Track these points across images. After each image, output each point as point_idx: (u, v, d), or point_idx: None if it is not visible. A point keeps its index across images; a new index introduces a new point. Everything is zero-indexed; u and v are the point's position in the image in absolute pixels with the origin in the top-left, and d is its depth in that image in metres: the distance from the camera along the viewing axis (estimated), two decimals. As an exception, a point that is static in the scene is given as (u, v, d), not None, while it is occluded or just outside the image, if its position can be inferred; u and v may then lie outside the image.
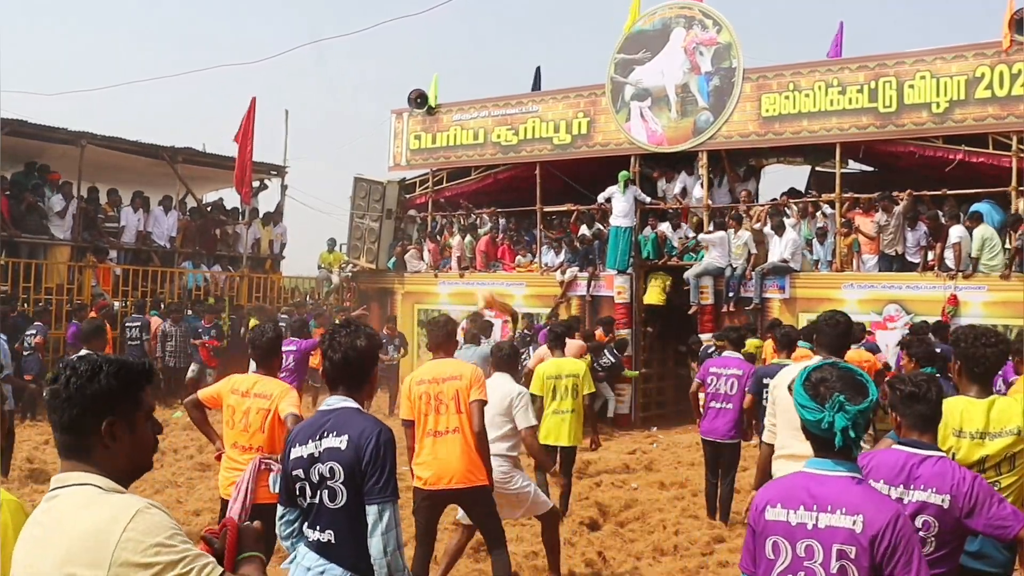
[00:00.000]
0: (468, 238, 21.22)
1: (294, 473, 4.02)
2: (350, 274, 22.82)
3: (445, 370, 6.59)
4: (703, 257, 17.49)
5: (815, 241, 17.24)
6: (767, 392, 7.52)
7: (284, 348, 11.53)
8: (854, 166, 19.65)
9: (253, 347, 6.72)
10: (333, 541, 3.92)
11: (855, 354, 12.41)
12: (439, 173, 22.49)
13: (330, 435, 3.96)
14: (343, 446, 3.91)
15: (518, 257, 20.60)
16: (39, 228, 18.86)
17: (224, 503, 6.33)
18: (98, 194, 20.67)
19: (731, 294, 17.14)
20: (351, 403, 4.09)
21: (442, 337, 6.80)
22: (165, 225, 21.23)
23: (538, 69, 23.31)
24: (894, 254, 16.18)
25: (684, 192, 18.82)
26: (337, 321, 6.63)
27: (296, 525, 4.09)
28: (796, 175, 20.89)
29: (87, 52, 66.41)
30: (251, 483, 6.00)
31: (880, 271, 16.33)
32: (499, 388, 7.21)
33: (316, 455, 3.95)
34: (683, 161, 18.97)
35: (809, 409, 3.20)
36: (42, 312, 17.15)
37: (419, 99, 22.02)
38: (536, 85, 22.76)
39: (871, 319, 15.45)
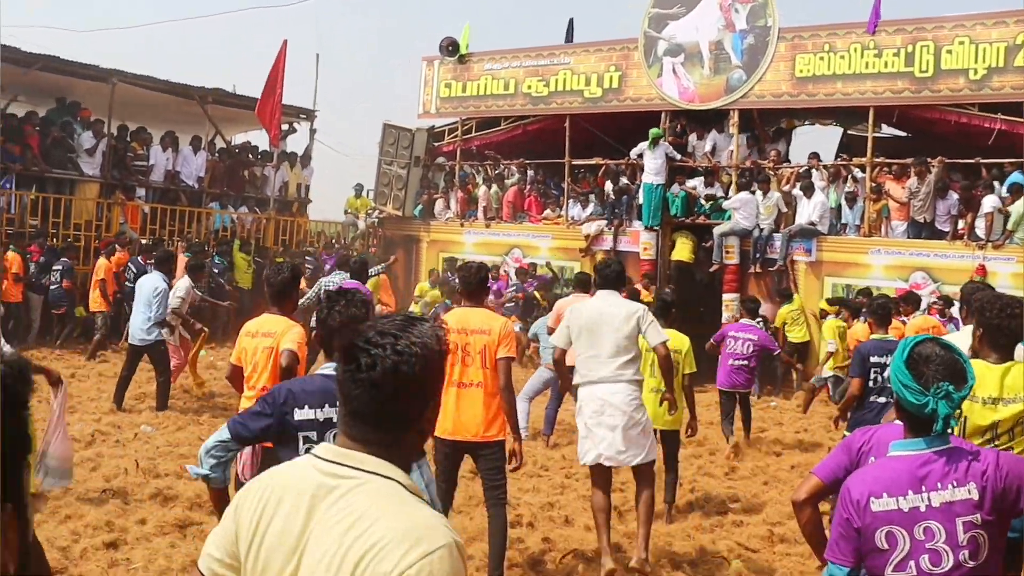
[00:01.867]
0: (495, 188, 21.19)
1: (304, 434, 4.14)
2: (376, 220, 22.85)
3: (473, 321, 6.34)
4: (730, 217, 17.40)
5: (844, 205, 17.11)
6: (874, 372, 7.45)
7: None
8: (887, 130, 19.50)
9: (268, 285, 6.58)
10: None
11: (921, 320, 12.36)
12: (468, 122, 22.41)
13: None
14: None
15: (546, 210, 20.56)
16: (66, 164, 18.96)
17: None
18: (128, 132, 20.74)
19: (757, 255, 17.07)
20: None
21: (475, 284, 6.54)
22: (194, 165, 21.29)
23: (571, 21, 23.17)
24: (923, 221, 16.05)
25: (714, 150, 18.71)
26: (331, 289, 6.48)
27: (227, 460, 4.17)
28: (828, 137, 20.75)
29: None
30: None
31: (909, 238, 16.21)
32: (621, 307, 6.79)
33: (334, 420, 4.01)
34: (714, 119, 18.83)
35: (912, 391, 3.18)
36: (68, 248, 17.29)
37: (450, 47, 21.92)
38: (569, 37, 22.60)
39: (896, 286, 15.37)
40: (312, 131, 23.88)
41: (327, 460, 2.13)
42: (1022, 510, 3.16)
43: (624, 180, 19.19)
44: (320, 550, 2.03)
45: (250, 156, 23.31)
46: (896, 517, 3.13)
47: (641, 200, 18.24)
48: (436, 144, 22.88)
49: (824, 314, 15.25)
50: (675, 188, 18.32)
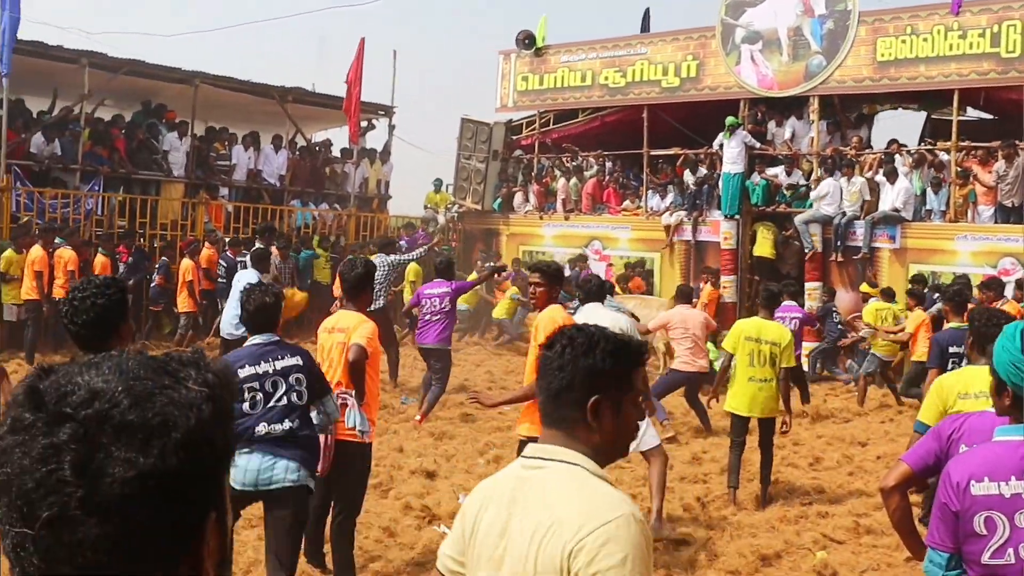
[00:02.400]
0: (574, 181, 21.20)
1: (247, 386, 5.29)
2: (456, 214, 23.00)
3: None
4: (811, 205, 17.19)
5: (929, 190, 16.78)
6: (952, 363, 7.44)
7: (436, 290, 11.76)
8: (972, 113, 19.11)
9: (342, 281, 6.63)
10: (296, 427, 5.39)
11: (1011, 307, 12.13)
12: (546, 115, 22.46)
13: (284, 358, 5.45)
14: (300, 362, 5.48)
15: (625, 201, 20.52)
16: (151, 165, 19.38)
17: None
18: (212, 133, 21.16)
19: (839, 243, 16.84)
20: (276, 338, 5.56)
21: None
22: (275, 163, 21.61)
23: (647, 10, 23.06)
24: (1012, 205, 15.67)
25: (794, 137, 18.50)
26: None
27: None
28: (911, 122, 20.36)
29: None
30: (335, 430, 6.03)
31: (996, 223, 15.86)
32: (603, 318, 6.98)
33: (270, 372, 5.38)
34: (794, 106, 18.62)
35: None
36: (167, 247, 17.69)
37: (527, 40, 21.97)
38: (645, 27, 22.52)
39: (984, 272, 15.04)
40: (391, 127, 24.08)
41: (528, 457, 2.43)
42: None
43: (703, 170, 19.07)
44: (520, 535, 2.29)
45: (330, 153, 23.59)
46: (996, 502, 3.02)
47: (721, 190, 18.13)
48: (514, 137, 22.96)
49: (866, 297, 15.05)
50: (755, 177, 18.17)
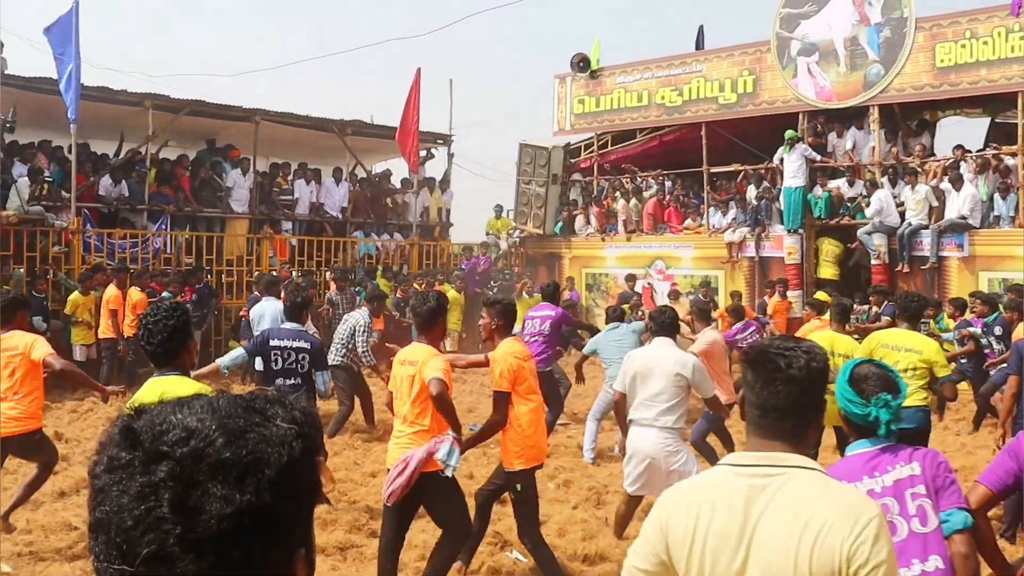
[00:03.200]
0: (634, 201, 21.16)
1: (274, 353, 8.35)
2: (518, 240, 23.06)
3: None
4: (871, 218, 16.97)
5: (997, 196, 16.48)
6: None
7: (540, 313, 11.80)
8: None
9: (415, 314, 6.59)
10: (301, 382, 8.30)
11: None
12: (603, 137, 22.47)
13: (299, 340, 8.39)
14: (308, 346, 8.41)
15: (687, 220, 20.44)
16: (215, 203, 19.72)
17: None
18: (274, 168, 21.48)
19: (904, 253, 16.60)
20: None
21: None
22: (336, 196, 21.83)
23: (700, 28, 23.03)
24: (1082, 207, 15.37)
25: (855, 148, 18.30)
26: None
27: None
28: (975, 127, 20.05)
29: (256, 32, 68.52)
30: (420, 463, 5.97)
31: (1067, 225, 15.52)
32: (669, 356, 7.31)
33: (291, 347, 8.34)
34: (853, 116, 18.44)
35: (856, 404, 3.60)
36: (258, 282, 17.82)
37: (581, 63, 22.04)
38: (699, 44, 22.46)
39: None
40: (450, 155, 24.23)
41: (747, 465, 2.52)
42: (942, 507, 3.52)
43: (764, 184, 18.94)
44: (773, 540, 2.38)
45: (391, 184, 23.78)
46: None
47: (782, 204, 17.99)
48: (573, 160, 23.00)
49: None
50: (817, 190, 18.00)
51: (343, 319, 12.57)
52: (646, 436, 7.11)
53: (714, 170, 20.00)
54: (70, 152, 17.02)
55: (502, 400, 6.46)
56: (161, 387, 4.41)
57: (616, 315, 11.94)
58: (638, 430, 7.17)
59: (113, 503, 1.12)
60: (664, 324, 7.69)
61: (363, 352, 11.89)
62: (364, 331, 11.87)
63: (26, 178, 16.53)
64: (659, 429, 7.08)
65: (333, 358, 11.47)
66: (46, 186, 17.04)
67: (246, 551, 1.13)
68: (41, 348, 7.33)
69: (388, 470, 6.26)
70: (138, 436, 1.15)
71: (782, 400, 2.52)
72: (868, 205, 16.99)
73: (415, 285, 18.41)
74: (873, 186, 17.06)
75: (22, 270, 15.78)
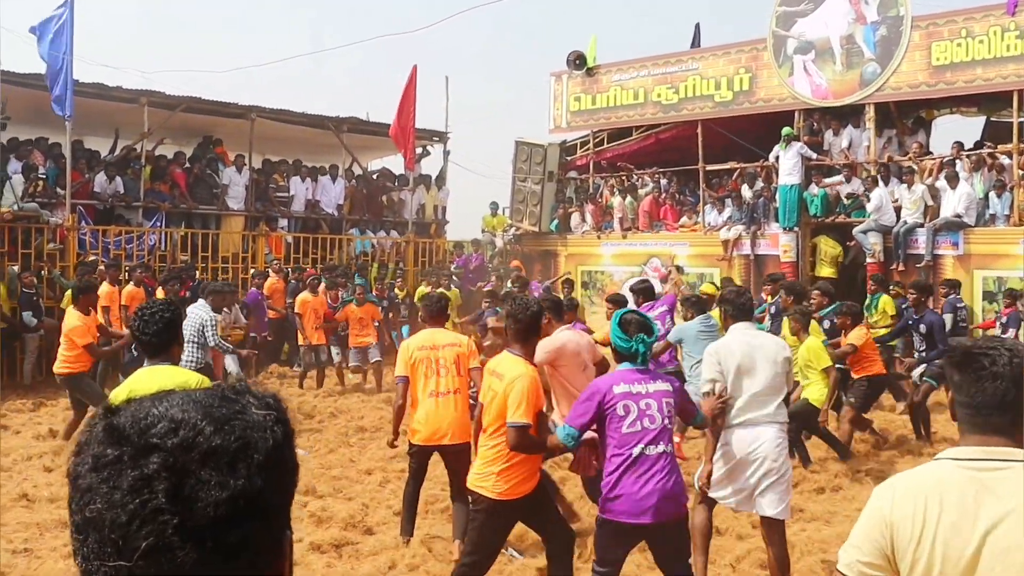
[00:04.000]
0: (629, 199, 21.15)
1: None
2: (513, 237, 23.06)
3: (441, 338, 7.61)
4: (869, 215, 16.98)
5: (992, 195, 16.47)
6: None
7: (655, 312, 11.34)
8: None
9: (513, 321, 5.90)
10: None
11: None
12: (599, 134, 22.48)
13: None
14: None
15: (682, 218, 20.44)
16: (211, 200, 19.74)
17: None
18: (269, 165, 21.49)
19: (900, 251, 16.61)
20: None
21: (436, 311, 7.92)
22: (332, 193, 21.84)
23: (697, 26, 23.08)
24: (1077, 206, 15.38)
25: (851, 146, 18.31)
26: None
27: None
28: (970, 126, 20.07)
29: (251, 29, 68.47)
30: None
31: (1062, 225, 15.54)
32: (767, 343, 6.66)
33: None
34: (849, 114, 18.44)
35: (623, 339, 5.43)
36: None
37: (578, 61, 22.03)
38: (696, 42, 22.47)
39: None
40: (446, 153, 24.22)
41: (971, 459, 2.60)
42: (692, 413, 5.99)
43: (760, 183, 18.94)
44: (1006, 534, 2.45)
45: (387, 182, 23.77)
46: (628, 396, 5.31)
47: (778, 202, 18.00)
48: (569, 158, 22.99)
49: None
50: (813, 188, 18.01)
51: (187, 314, 11.24)
52: (764, 435, 6.33)
53: (710, 168, 20.00)
54: (66, 150, 16.99)
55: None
56: (156, 376, 4.49)
57: (698, 304, 11.13)
58: (751, 431, 6.34)
59: (103, 500, 1.12)
60: (743, 307, 6.80)
61: (216, 345, 11.62)
62: (212, 325, 11.64)
63: (20, 175, 16.55)
64: (778, 426, 6.41)
65: (187, 359, 10.56)
66: (41, 183, 17.00)
67: (241, 535, 1.14)
68: None
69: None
70: (123, 432, 1.15)
71: (991, 397, 2.60)
72: (868, 201, 16.98)
73: (422, 286, 18.33)
74: (874, 182, 17.03)
75: (16, 267, 15.76)
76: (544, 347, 7.05)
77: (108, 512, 1.11)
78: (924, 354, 11.80)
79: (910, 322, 12.18)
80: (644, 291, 12.25)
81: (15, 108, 17.19)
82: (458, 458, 7.18)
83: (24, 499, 8.66)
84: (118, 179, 18.31)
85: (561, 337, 7.61)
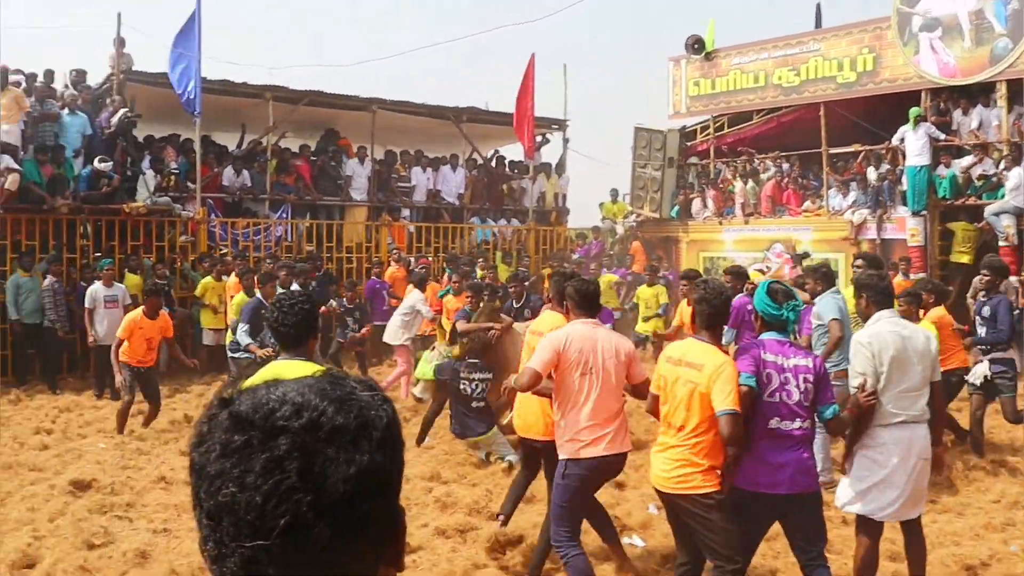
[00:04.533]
0: (751, 184, 20.91)
1: None
2: (634, 224, 23.01)
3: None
4: (1003, 195, 16.47)
5: None
6: None
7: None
8: None
9: (707, 306, 5.55)
10: None
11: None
12: (720, 119, 22.28)
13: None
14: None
15: (806, 202, 20.12)
16: (334, 191, 20.17)
17: None
18: (391, 156, 21.87)
19: (1035, 234, 16.07)
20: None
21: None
22: (453, 182, 22.09)
23: (818, 6, 22.75)
24: None
25: (981, 126, 17.77)
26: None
27: None
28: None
29: (374, 23, 69.31)
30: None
31: None
32: (916, 334, 6.15)
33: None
34: (979, 93, 17.90)
35: (773, 307, 5.50)
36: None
37: (696, 45, 21.85)
38: (817, 23, 22.09)
39: None
40: (565, 140, 24.25)
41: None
42: (828, 400, 5.46)
43: (886, 165, 18.54)
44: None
45: (507, 171, 23.94)
46: (774, 366, 5.35)
47: (905, 185, 17.59)
48: (689, 143, 22.85)
49: None
50: (941, 169, 17.54)
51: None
52: (917, 435, 5.87)
53: (833, 151, 19.62)
54: (195, 145, 17.58)
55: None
56: (294, 371, 4.41)
57: (827, 276, 9.56)
58: (904, 430, 5.84)
59: (236, 484, 1.17)
60: (886, 292, 6.28)
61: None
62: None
63: (152, 171, 17.24)
64: (925, 424, 5.95)
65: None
66: (173, 178, 17.66)
67: (366, 510, 1.20)
68: None
69: (655, 489, 5.78)
70: (247, 418, 1.20)
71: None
72: (1006, 181, 16.43)
73: (478, 269, 17.72)
74: (1014, 162, 16.43)
75: (150, 259, 16.40)
76: None
77: (242, 495, 1.16)
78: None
79: (978, 307, 10.35)
80: (737, 274, 11.43)
81: (146, 106, 17.84)
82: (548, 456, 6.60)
83: (163, 481, 9.03)
84: (245, 172, 18.87)
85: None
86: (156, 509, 8.11)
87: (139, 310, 11.67)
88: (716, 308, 5.54)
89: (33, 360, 15.55)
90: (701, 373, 5.27)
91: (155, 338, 11.62)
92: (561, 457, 5.90)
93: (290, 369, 4.51)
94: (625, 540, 7.19)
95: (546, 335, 6.26)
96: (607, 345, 5.93)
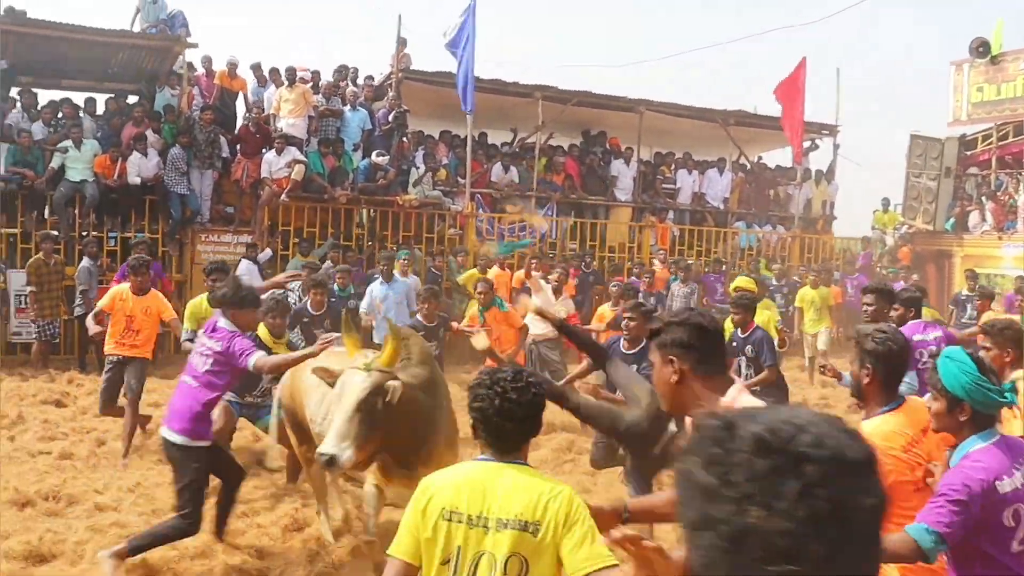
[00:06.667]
0: (1036, 197, 19.68)
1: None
2: (905, 235, 22.12)
3: None
4: None
5: None
6: None
7: (930, 335, 10.05)
8: None
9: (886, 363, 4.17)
10: None
11: None
12: (1004, 127, 21.13)
13: None
14: None
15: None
16: (600, 190, 20.34)
17: None
18: (658, 157, 21.93)
19: None
20: None
21: None
22: (719, 186, 21.83)
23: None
24: None
25: None
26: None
27: None
28: None
29: (643, 25, 69.47)
30: None
31: None
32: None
33: None
34: None
35: (995, 393, 3.47)
36: (614, 270, 18.15)
37: (981, 48, 20.79)
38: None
39: None
40: (835, 146, 23.56)
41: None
42: None
43: None
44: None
45: (775, 176, 23.49)
46: (1019, 496, 3.38)
47: None
48: (968, 153, 21.79)
49: None
50: None
51: None
52: None
53: None
54: (466, 141, 18.30)
55: None
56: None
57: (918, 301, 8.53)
58: None
59: (764, 509, 1.21)
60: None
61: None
62: None
63: (424, 165, 17.98)
64: None
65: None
66: (444, 172, 18.39)
67: (878, 535, 1.27)
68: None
69: None
70: (769, 444, 1.24)
71: None
72: None
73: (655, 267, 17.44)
74: None
75: (419, 249, 17.12)
76: None
77: (771, 519, 1.20)
78: None
79: None
80: (912, 301, 8.45)
81: (421, 104, 18.70)
82: None
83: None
84: (512, 169, 19.34)
85: None
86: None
87: (126, 284, 9.84)
88: (895, 361, 3.96)
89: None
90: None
91: (138, 318, 9.61)
92: None
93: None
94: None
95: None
96: None
